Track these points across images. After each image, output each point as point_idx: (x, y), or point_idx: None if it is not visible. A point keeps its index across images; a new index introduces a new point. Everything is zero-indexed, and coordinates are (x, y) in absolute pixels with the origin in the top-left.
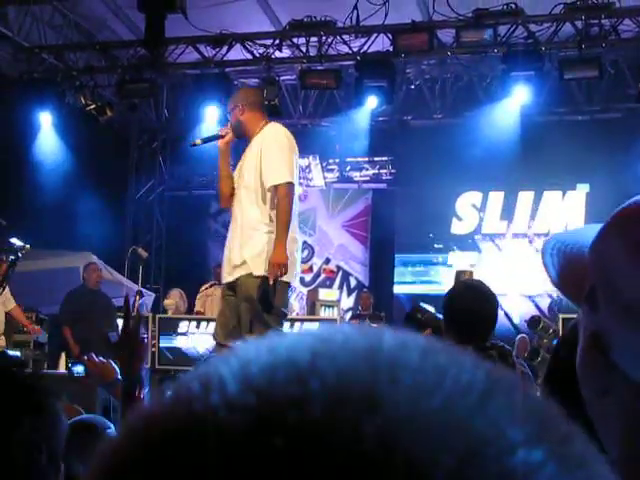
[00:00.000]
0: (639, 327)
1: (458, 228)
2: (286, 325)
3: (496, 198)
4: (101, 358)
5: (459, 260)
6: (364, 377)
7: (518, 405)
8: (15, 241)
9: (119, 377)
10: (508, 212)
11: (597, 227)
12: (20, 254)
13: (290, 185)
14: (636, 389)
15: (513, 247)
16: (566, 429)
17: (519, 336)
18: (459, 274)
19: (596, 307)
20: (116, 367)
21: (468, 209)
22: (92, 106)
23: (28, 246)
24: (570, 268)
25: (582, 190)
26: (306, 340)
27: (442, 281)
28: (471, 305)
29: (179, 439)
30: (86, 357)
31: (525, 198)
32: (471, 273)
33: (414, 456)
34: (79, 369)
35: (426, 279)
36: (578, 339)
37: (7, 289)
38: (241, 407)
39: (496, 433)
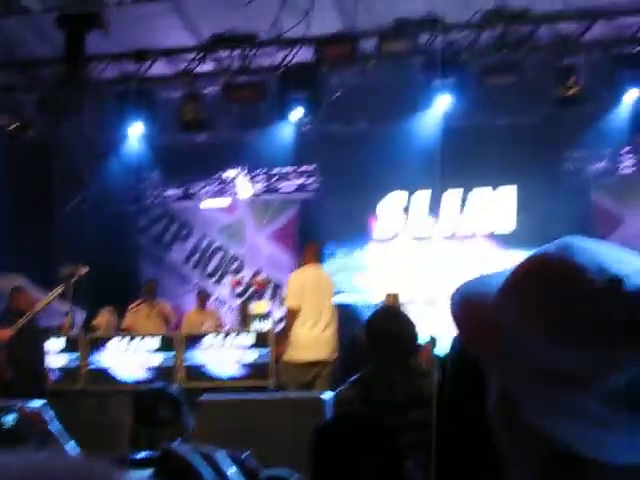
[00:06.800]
0: (549, 389)
1: (380, 233)
2: (219, 337)
3: (421, 199)
4: None
5: (382, 264)
6: None
7: None
8: None
9: None
10: (434, 212)
11: (503, 275)
12: None
13: None
14: (548, 442)
15: (441, 248)
16: None
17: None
18: (387, 297)
19: (506, 365)
20: None
21: (392, 212)
22: (13, 126)
23: None
24: (476, 319)
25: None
26: None
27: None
28: (388, 328)
29: None
30: None
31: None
32: (395, 296)
33: None
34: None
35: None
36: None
37: None
38: None
39: None
